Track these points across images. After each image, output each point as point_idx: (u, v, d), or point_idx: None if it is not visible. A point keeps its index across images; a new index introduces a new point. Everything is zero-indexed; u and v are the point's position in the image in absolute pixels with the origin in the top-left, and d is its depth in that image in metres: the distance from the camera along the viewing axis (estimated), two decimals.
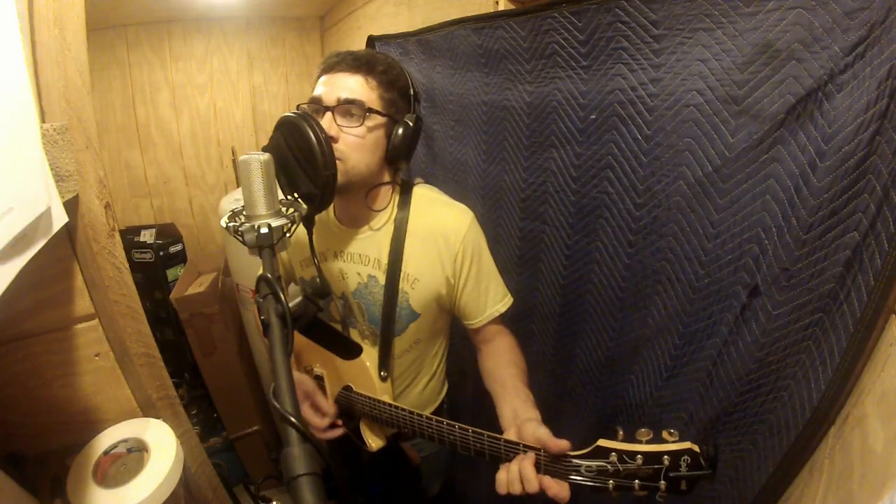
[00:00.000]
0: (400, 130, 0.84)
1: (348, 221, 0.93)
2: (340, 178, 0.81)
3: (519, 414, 0.77)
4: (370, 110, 0.81)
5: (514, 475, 0.67)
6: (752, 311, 0.70)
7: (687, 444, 0.58)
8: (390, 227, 0.89)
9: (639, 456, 0.59)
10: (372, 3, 1.83)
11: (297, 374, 1.00)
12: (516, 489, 0.66)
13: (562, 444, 0.64)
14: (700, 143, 0.73)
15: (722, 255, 0.74)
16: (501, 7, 1.15)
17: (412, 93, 0.88)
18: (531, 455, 0.67)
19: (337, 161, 0.80)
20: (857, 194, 0.56)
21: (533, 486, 0.65)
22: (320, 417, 0.96)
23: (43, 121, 0.51)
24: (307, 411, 0.97)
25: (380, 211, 0.90)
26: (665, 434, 0.60)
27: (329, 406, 0.96)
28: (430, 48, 1.30)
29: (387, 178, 0.91)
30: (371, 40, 1.56)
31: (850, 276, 0.57)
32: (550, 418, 1.14)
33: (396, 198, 0.92)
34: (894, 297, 0.51)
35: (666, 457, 0.58)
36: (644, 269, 0.86)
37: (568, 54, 0.88)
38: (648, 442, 0.60)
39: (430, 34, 1.28)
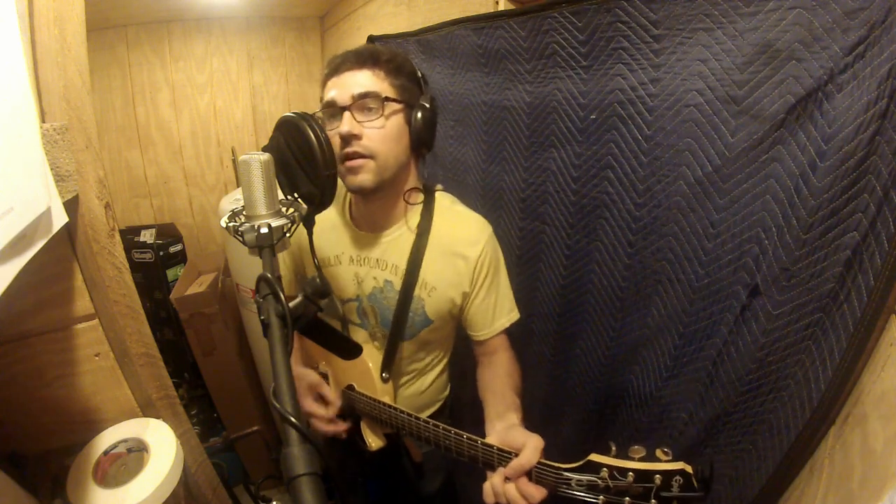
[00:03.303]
0: (419, 114, 0.83)
1: (368, 226, 0.92)
2: (374, 178, 0.80)
3: (502, 417, 0.77)
4: (387, 99, 0.80)
5: (498, 488, 0.67)
6: (752, 311, 0.70)
7: (680, 465, 0.57)
8: (412, 234, 0.89)
9: (630, 473, 0.59)
10: (372, 3, 1.83)
11: (301, 369, 1.00)
12: (501, 500, 0.67)
13: (524, 461, 0.65)
14: (700, 143, 0.73)
15: (722, 255, 0.74)
16: (501, 7, 1.15)
17: (419, 76, 0.87)
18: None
19: (367, 161, 0.79)
20: (857, 194, 0.56)
21: (510, 494, 0.66)
22: (325, 408, 0.96)
23: (43, 121, 0.51)
24: (312, 402, 0.96)
25: (411, 213, 0.90)
26: (658, 452, 0.59)
27: (334, 396, 0.96)
28: (430, 48, 1.30)
29: (414, 176, 0.90)
30: (371, 40, 1.56)
31: (850, 276, 0.57)
32: (550, 419, 1.15)
33: (421, 203, 0.91)
34: (894, 297, 0.51)
35: (657, 476, 0.57)
36: (644, 269, 0.86)
37: (568, 54, 0.88)
38: (641, 460, 0.59)
39: (430, 34, 1.28)
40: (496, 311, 0.92)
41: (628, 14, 0.76)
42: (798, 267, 0.63)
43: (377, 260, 0.92)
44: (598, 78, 0.84)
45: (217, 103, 2.50)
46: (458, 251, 0.88)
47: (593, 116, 0.87)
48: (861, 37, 0.54)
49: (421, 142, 0.85)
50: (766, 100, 0.64)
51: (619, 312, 0.93)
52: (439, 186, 0.97)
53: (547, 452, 0.67)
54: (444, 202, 0.93)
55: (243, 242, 0.60)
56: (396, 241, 0.90)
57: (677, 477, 0.57)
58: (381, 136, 0.80)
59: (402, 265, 0.89)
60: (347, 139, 0.78)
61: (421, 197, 0.90)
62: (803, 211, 0.61)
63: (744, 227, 0.70)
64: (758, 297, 0.69)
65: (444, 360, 1.04)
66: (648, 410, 0.91)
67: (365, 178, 0.80)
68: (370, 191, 0.82)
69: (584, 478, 0.62)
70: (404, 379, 1.00)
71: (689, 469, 0.57)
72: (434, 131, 0.87)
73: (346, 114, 0.79)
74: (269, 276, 0.54)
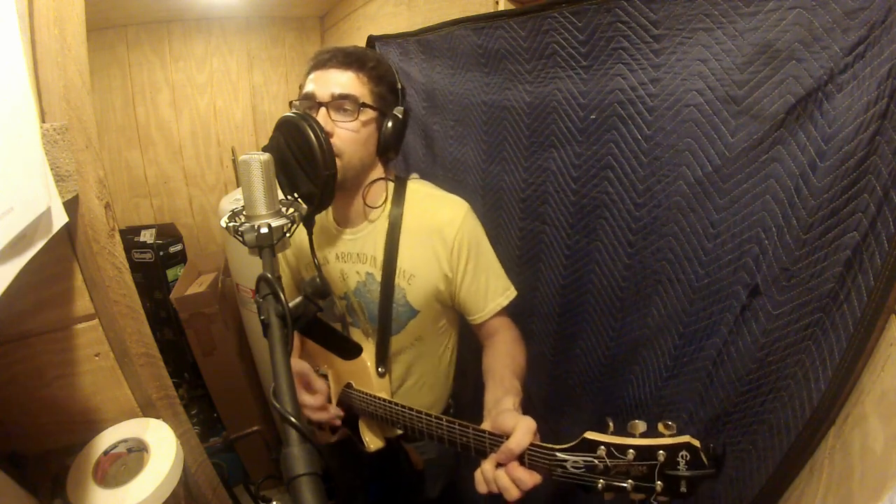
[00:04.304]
0: (390, 123, 0.86)
1: (345, 222, 0.94)
2: (336, 175, 0.81)
3: (497, 403, 0.75)
4: (363, 105, 0.82)
5: (489, 475, 0.65)
6: (752, 311, 0.70)
7: (685, 438, 0.52)
8: (385, 224, 0.90)
9: (630, 450, 0.53)
10: (372, 3, 1.83)
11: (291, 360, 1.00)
12: (493, 488, 0.65)
13: (513, 444, 0.62)
14: (700, 143, 0.73)
15: (722, 255, 0.74)
16: (501, 7, 1.15)
17: (399, 87, 0.90)
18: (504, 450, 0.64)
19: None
20: (857, 194, 0.56)
21: (501, 482, 0.63)
22: (312, 396, 0.95)
23: (43, 121, 0.51)
24: (299, 391, 0.95)
25: (375, 207, 0.91)
26: (661, 426, 0.54)
27: (319, 382, 0.96)
28: (430, 48, 1.30)
29: (379, 171, 0.92)
30: (371, 40, 1.56)
31: (850, 276, 0.57)
32: (550, 418, 1.15)
33: (391, 193, 0.92)
34: (894, 297, 0.51)
35: (661, 452, 0.52)
36: (644, 269, 0.86)
37: (568, 54, 0.88)
38: (642, 435, 0.54)
39: (430, 34, 1.28)
40: (489, 292, 0.92)
41: (628, 14, 0.76)
42: (798, 267, 0.63)
43: (357, 254, 0.93)
44: (598, 78, 0.84)
45: (217, 103, 2.50)
46: (433, 233, 0.88)
47: (593, 116, 0.87)
48: (861, 37, 0.54)
49: (387, 147, 0.88)
50: (766, 100, 0.64)
51: (619, 312, 0.93)
52: (414, 175, 0.98)
53: None
54: (417, 188, 0.94)
55: (243, 242, 0.60)
56: (372, 233, 0.91)
57: (683, 452, 0.52)
58: (350, 137, 0.82)
59: (380, 256, 0.90)
60: None
61: (383, 194, 0.91)
62: (803, 211, 0.61)
63: (744, 227, 0.70)
64: (758, 297, 0.69)
65: (445, 360, 1.04)
66: (648, 410, 0.91)
67: None
68: None
69: (580, 458, 0.57)
70: (403, 377, 1.00)
71: (695, 443, 0.52)
72: (401, 140, 0.90)
73: (322, 110, 0.81)
74: (269, 276, 0.54)
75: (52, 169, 0.47)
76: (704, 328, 0.78)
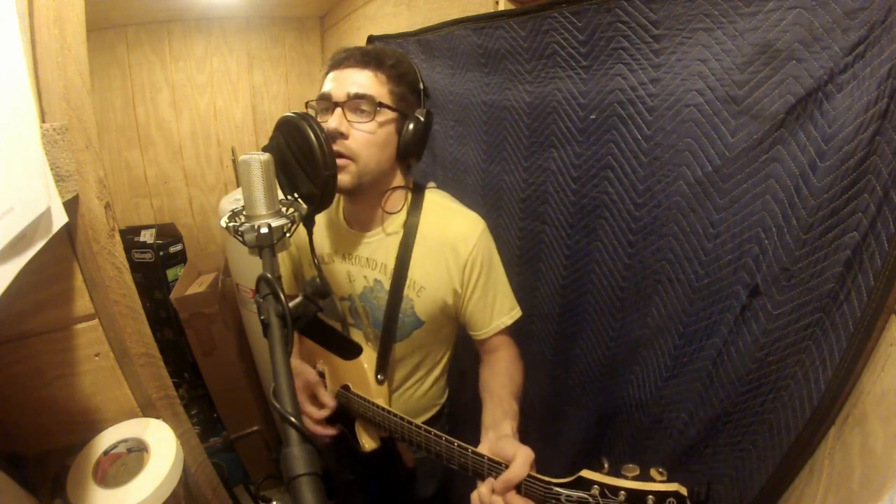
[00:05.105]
0: (411, 126, 0.82)
1: (358, 225, 0.92)
2: (352, 180, 0.80)
3: (496, 425, 0.76)
4: (381, 104, 0.79)
5: (486, 499, 0.66)
6: (752, 311, 0.70)
7: (674, 486, 0.56)
8: (399, 233, 0.88)
9: (622, 492, 0.57)
10: (372, 3, 1.83)
11: (301, 365, 0.99)
12: None
13: (512, 474, 0.63)
14: (700, 143, 0.73)
15: (722, 255, 0.74)
16: (501, 7, 1.15)
17: (421, 87, 0.86)
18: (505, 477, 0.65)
19: (348, 162, 0.79)
20: (857, 194, 0.56)
21: None
22: (318, 408, 0.95)
23: (43, 121, 0.51)
24: (305, 401, 0.95)
25: (393, 214, 0.89)
26: (653, 472, 0.58)
27: (328, 399, 0.95)
28: (430, 48, 1.30)
29: (399, 178, 0.89)
30: (371, 40, 1.56)
31: (850, 276, 0.57)
32: (550, 419, 1.15)
33: (408, 202, 0.90)
34: (894, 297, 0.51)
35: (650, 496, 0.56)
36: (644, 269, 0.86)
37: (568, 54, 0.88)
38: (635, 478, 0.58)
39: (429, 34, 1.28)
40: (495, 310, 0.91)
41: (628, 14, 0.76)
42: (798, 267, 0.63)
43: (367, 259, 0.91)
44: (598, 78, 0.84)
45: (217, 103, 2.50)
46: (447, 248, 0.86)
47: (593, 116, 0.87)
48: (861, 37, 0.54)
49: (408, 152, 0.84)
50: (766, 100, 0.64)
51: (619, 312, 0.93)
52: (432, 184, 0.96)
53: (546, 453, 0.66)
54: (435, 199, 0.92)
55: (243, 242, 0.60)
56: (385, 240, 0.90)
57: (671, 499, 0.55)
58: (367, 140, 0.79)
59: (391, 264, 0.88)
60: (333, 136, 0.77)
61: (401, 203, 0.90)
62: (803, 211, 0.61)
63: (744, 227, 0.70)
64: (758, 297, 0.69)
65: (442, 365, 1.04)
66: (648, 410, 0.91)
67: (343, 178, 0.79)
68: (348, 191, 0.82)
69: (575, 494, 0.60)
70: (400, 382, 1.00)
71: (683, 491, 0.55)
72: (424, 144, 0.87)
73: (338, 110, 0.79)
74: (269, 276, 0.54)
75: (52, 169, 0.47)
76: (704, 328, 0.78)
